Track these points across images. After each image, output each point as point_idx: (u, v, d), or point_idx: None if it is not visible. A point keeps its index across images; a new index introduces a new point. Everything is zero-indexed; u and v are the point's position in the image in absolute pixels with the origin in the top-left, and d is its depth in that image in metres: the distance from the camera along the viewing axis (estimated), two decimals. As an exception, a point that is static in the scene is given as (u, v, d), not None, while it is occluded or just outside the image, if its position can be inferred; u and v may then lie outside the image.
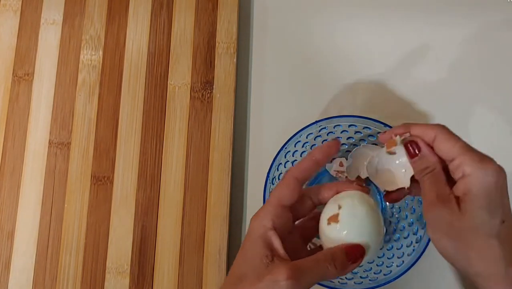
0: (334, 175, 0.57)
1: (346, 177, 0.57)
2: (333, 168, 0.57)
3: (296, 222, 0.42)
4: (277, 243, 0.36)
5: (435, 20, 0.62)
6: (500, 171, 0.36)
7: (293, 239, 0.41)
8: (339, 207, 0.39)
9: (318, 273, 0.35)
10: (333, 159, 0.58)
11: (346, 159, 0.57)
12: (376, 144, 0.55)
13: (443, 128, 0.38)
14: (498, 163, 0.36)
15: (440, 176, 0.38)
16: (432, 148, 0.39)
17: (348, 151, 0.56)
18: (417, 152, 0.39)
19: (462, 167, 0.36)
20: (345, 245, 0.37)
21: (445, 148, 0.37)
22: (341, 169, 0.57)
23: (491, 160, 0.36)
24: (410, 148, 0.39)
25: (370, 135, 0.54)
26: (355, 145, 0.56)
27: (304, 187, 0.41)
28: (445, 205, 0.36)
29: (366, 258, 0.38)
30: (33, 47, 0.62)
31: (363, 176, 0.56)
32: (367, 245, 0.38)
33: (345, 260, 0.36)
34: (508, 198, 0.36)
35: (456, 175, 0.37)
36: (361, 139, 0.56)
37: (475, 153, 0.36)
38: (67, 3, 0.63)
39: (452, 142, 0.37)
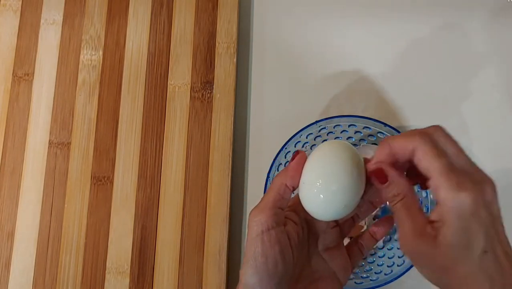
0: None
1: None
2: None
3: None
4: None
5: (433, 20, 0.62)
6: (479, 196, 0.31)
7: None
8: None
9: (269, 192, 0.37)
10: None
11: (346, 159, 0.57)
12: (376, 144, 0.55)
13: (424, 140, 0.33)
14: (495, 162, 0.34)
15: (412, 203, 0.34)
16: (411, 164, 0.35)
17: (348, 151, 0.56)
18: (385, 180, 0.35)
19: (437, 191, 0.32)
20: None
21: (423, 165, 0.33)
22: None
23: (470, 184, 0.32)
24: (376, 178, 0.35)
25: (370, 135, 0.54)
26: (355, 145, 0.56)
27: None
28: (420, 238, 0.33)
29: (335, 201, 0.35)
30: (33, 47, 0.62)
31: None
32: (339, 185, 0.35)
33: (286, 167, 0.38)
34: (493, 223, 0.32)
35: (433, 196, 0.34)
36: (361, 139, 0.56)
37: (453, 175, 0.32)
38: (67, 3, 0.63)
39: (430, 160, 0.33)
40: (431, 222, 0.33)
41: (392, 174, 0.35)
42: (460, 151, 0.34)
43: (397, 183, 0.35)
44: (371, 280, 0.51)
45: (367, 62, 0.62)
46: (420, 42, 0.62)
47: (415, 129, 0.35)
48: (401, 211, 0.34)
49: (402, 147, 0.34)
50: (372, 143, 0.55)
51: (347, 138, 0.56)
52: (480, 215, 0.31)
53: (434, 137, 0.34)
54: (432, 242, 0.32)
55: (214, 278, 0.55)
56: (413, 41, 0.62)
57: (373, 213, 0.55)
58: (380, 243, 0.54)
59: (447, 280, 0.33)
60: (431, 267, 0.33)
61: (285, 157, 0.53)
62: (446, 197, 0.32)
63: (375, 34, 0.62)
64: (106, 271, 0.56)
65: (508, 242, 0.32)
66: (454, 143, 0.34)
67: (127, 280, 0.56)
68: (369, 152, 0.55)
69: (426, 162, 0.33)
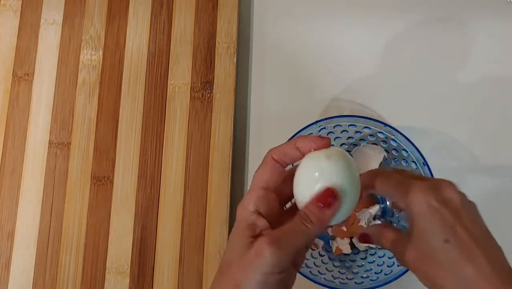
0: (334, 175, 0.57)
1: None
2: (333, 167, 0.57)
3: None
4: (261, 223, 0.35)
5: (434, 19, 0.62)
6: (429, 194, 0.34)
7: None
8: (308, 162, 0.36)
9: (298, 234, 0.34)
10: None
11: (346, 159, 0.57)
12: (376, 144, 0.55)
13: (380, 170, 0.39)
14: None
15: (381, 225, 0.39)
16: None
17: (348, 151, 0.57)
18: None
19: (398, 203, 0.36)
20: (314, 195, 0.34)
21: (382, 189, 0.38)
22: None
23: (416, 188, 0.35)
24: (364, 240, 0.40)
25: (370, 135, 0.54)
26: (355, 145, 0.56)
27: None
28: (399, 245, 0.37)
29: (345, 206, 0.35)
30: (33, 47, 0.62)
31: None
32: (343, 189, 0.35)
33: (319, 210, 0.34)
34: (453, 213, 0.34)
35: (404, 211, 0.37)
36: (361, 139, 0.56)
37: (403, 187, 0.36)
38: (67, 3, 0.63)
39: (383, 180, 0.37)
40: (406, 231, 0.36)
41: (371, 231, 0.40)
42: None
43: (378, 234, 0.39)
44: (371, 280, 0.51)
45: (367, 62, 0.62)
46: (420, 42, 0.62)
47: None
48: (374, 235, 0.39)
49: (366, 180, 0.38)
50: (372, 143, 0.55)
51: (347, 139, 0.56)
52: (434, 208, 0.34)
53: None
54: (408, 245, 0.35)
55: (214, 278, 0.55)
56: (414, 41, 0.62)
57: (373, 213, 0.55)
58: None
59: (431, 278, 0.34)
60: (419, 269, 0.35)
61: (285, 157, 0.53)
62: (404, 206, 0.35)
63: (375, 34, 0.62)
64: (106, 271, 0.56)
65: (477, 227, 0.34)
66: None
67: (127, 280, 0.56)
68: (369, 152, 0.55)
69: (384, 184, 0.37)
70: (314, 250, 0.55)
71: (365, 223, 0.54)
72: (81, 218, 0.57)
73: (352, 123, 0.53)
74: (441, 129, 0.59)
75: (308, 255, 0.53)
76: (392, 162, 0.55)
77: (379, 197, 0.56)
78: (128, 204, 0.57)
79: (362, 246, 0.55)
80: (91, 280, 0.56)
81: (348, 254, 0.55)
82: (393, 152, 0.54)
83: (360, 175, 0.37)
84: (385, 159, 0.55)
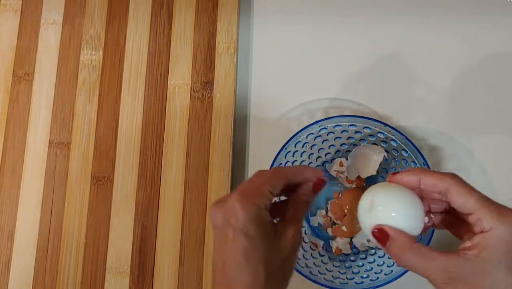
0: (334, 175, 0.57)
1: (346, 177, 0.57)
2: (333, 168, 0.57)
3: None
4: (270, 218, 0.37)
5: (433, 20, 0.62)
6: None
7: None
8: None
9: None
10: (333, 159, 0.58)
11: (346, 159, 0.57)
12: (376, 144, 0.55)
13: (455, 178, 0.37)
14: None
15: (418, 246, 0.36)
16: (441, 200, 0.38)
17: (348, 151, 0.57)
18: (387, 239, 0.37)
19: (481, 222, 0.35)
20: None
21: (460, 202, 0.36)
22: (341, 169, 0.57)
23: (506, 212, 0.35)
24: (378, 236, 0.37)
25: (370, 135, 0.54)
26: (355, 145, 0.56)
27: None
28: (452, 262, 0.35)
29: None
30: (33, 47, 0.62)
31: (363, 176, 0.56)
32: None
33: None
34: None
35: (475, 229, 0.35)
36: (361, 139, 0.56)
37: (492, 206, 0.35)
38: (67, 3, 0.63)
39: (467, 196, 0.36)
40: (464, 249, 0.35)
41: (391, 231, 0.37)
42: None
43: (398, 237, 0.36)
44: (371, 280, 0.51)
45: (368, 62, 0.62)
46: (421, 42, 0.62)
47: (443, 172, 0.38)
48: (418, 258, 0.36)
49: (433, 185, 0.37)
50: (372, 143, 0.55)
51: (347, 139, 0.56)
52: None
53: (461, 178, 0.37)
54: (471, 266, 0.34)
55: (214, 278, 0.55)
56: (414, 41, 0.62)
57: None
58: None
59: None
60: None
61: (285, 157, 0.53)
62: (491, 225, 0.34)
63: (375, 34, 0.62)
64: (106, 271, 0.56)
65: None
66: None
67: (127, 280, 0.56)
68: (369, 152, 0.55)
69: (464, 197, 0.36)
70: (314, 250, 0.55)
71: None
72: (81, 218, 0.57)
73: (352, 123, 0.53)
74: (441, 129, 0.59)
75: (308, 255, 0.53)
76: (392, 162, 0.55)
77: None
78: (128, 204, 0.57)
79: (362, 246, 0.55)
80: (91, 280, 0.56)
81: (348, 254, 0.55)
82: (393, 152, 0.54)
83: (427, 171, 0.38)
84: (385, 159, 0.55)
